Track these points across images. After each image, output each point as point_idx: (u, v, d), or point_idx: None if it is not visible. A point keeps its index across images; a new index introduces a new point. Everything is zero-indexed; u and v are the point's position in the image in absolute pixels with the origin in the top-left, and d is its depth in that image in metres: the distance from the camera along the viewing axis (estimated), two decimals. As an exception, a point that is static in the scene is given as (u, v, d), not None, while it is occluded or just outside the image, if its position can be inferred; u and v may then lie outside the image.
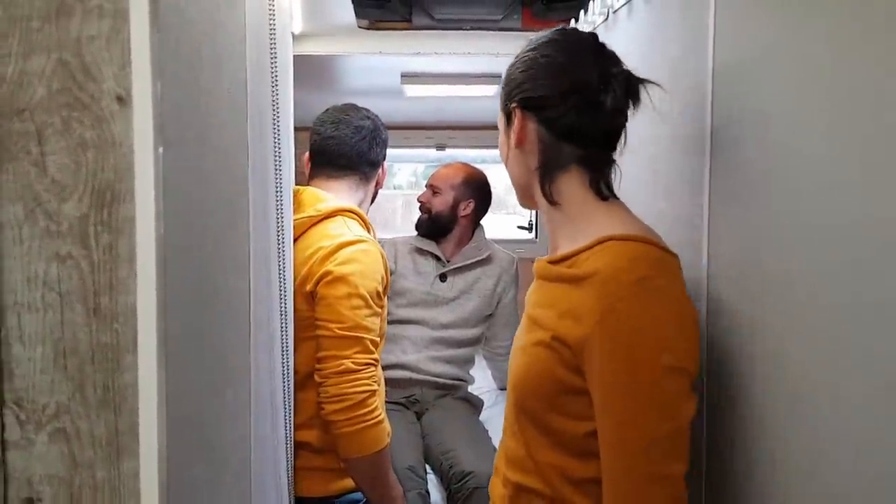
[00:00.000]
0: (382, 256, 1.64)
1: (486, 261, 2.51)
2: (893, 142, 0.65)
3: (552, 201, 1.07)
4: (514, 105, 1.07)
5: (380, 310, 1.62)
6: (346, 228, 1.61)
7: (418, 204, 2.57)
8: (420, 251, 2.53)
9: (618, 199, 1.08)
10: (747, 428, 0.96)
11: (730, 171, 1.03)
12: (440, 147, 3.11)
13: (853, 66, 0.72)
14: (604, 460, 0.93)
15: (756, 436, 0.94)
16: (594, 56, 1.04)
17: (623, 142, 1.09)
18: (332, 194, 1.70)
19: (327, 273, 1.53)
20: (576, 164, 1.05)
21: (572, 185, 1.05)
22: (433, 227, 2.54)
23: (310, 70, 2.21)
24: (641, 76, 1.07)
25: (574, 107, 1.02)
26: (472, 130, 3.08)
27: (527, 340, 1.04)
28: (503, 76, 1.12)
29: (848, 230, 0.73)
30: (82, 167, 0.57)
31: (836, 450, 0.75)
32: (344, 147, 1.72)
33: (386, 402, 2.33)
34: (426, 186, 2.59)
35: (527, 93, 1.05)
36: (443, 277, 2.48)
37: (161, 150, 0.58)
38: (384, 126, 1.81)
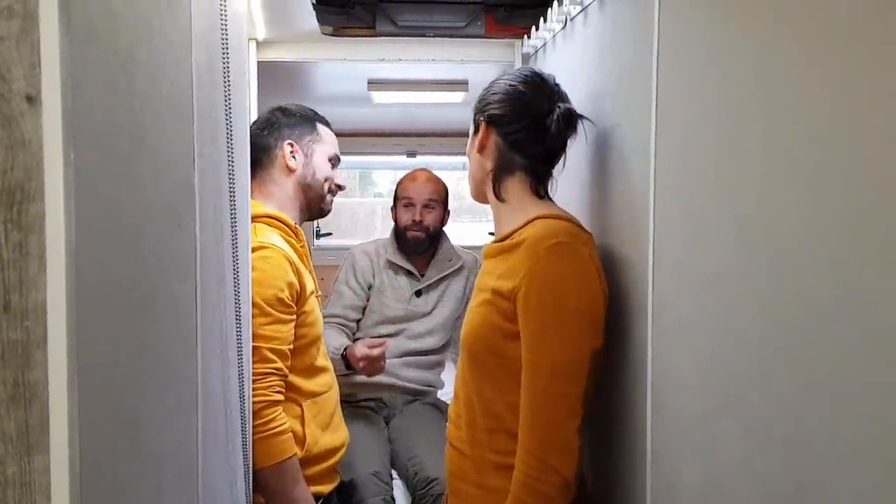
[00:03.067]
0: (291, 262, 1.61)
1: (457, 269, 2.50)
2: (822, 149, 0.67)
3: (500, 198, 1.33)
4: (481, 118, 1.33)
5: (288, 317, 1.59)
6: (251, 236, 1.58)
7: (409, 224, 2.41)
8: (393, 266, 2.45)
9: (551, 198, 1.34)
10: (689, 422, 0.99)
11: (672, 173, 1.05)
12: (411, 154, 3.11)
13: (788, 74, 0.74)
14: (522, 381, 1.19)
15: (696, 429, 0.96)
16: (548, 93, 1.30)
17: (563, 163, 1.35)
18: (256, 199, 1.68)
19: None
20: (520, 171, 1.31)
21: (516, 186, 1.32)
22: (430, 245, 2.45)
23: (277, 77, 2.22)
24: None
25: (525, 127, 1.29)
26: (443, 137, 3.08)
27: (474, 304, 1.32)
28: (480, 94, 1.37)
29: (776, 234, 0.75)
30: (-8, 166, 0.58)
31: (768, 443, 0.77)
32: None
33: (353, 402, 2.33)
34: (408, 202, 2.43)
35: (492, 110, 1.31)
36: (418, 293, 2.45)
37: (72, 149, 0.58)
38: (288, 112, 1.76)
